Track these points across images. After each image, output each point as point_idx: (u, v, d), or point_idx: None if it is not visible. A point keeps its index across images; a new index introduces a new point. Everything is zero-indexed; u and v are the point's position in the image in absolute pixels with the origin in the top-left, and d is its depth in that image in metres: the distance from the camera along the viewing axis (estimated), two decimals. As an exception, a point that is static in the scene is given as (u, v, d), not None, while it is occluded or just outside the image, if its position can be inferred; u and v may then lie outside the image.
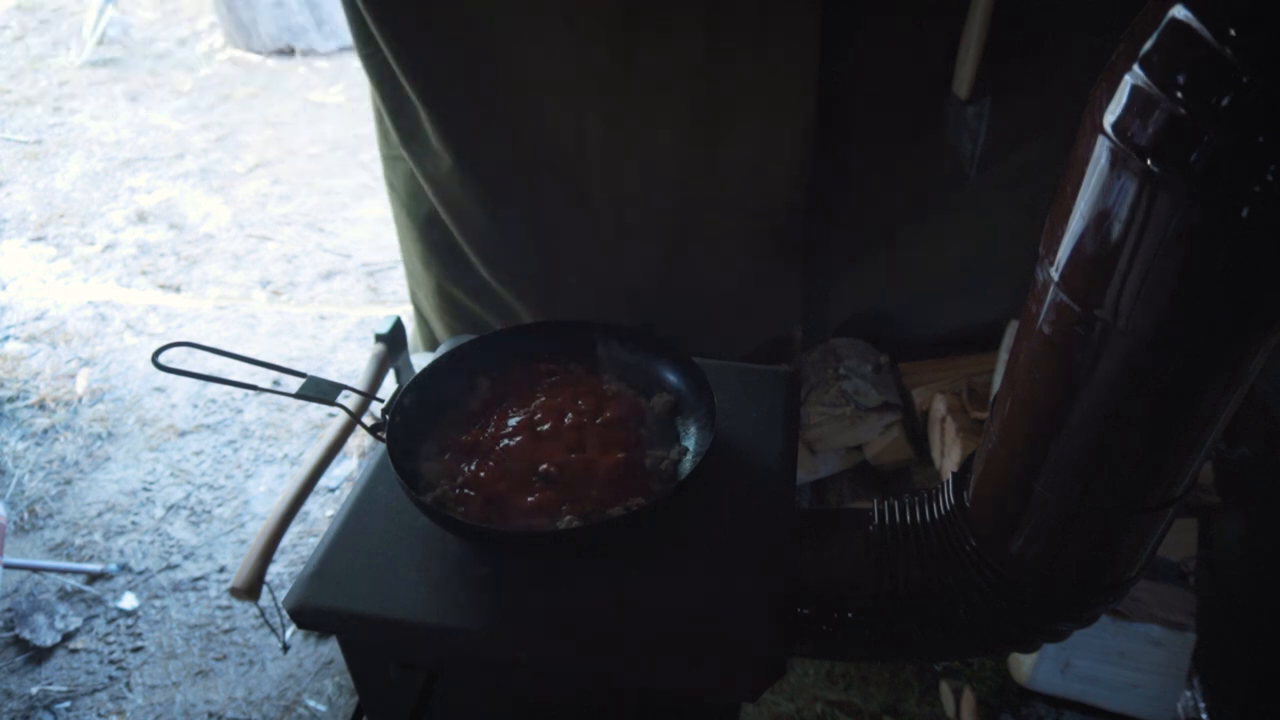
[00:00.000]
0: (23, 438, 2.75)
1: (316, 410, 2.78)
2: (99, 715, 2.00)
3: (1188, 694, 1.75)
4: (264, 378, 2.56)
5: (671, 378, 1.13)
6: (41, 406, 2.87)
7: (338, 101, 4.89)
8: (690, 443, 1.07)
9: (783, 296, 1.92)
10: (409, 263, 2.07)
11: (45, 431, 2.77)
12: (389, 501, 1.01)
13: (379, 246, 3.60)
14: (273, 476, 2.60)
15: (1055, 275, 0.70)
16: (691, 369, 1.10)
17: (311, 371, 1.01)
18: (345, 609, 0.90)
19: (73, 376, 2.99)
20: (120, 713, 2.00)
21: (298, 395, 0.95)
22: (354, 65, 5.09)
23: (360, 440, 2.55)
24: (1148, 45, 0.58)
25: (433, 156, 1.66)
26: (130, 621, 2.19)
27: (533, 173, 1.67)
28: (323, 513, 2.47)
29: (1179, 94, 0.56)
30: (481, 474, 1.00)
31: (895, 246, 1.88)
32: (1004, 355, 1.84)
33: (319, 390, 0.97)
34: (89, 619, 2.20)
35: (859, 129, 1.67)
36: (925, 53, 1.57)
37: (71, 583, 2.28)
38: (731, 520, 1.00)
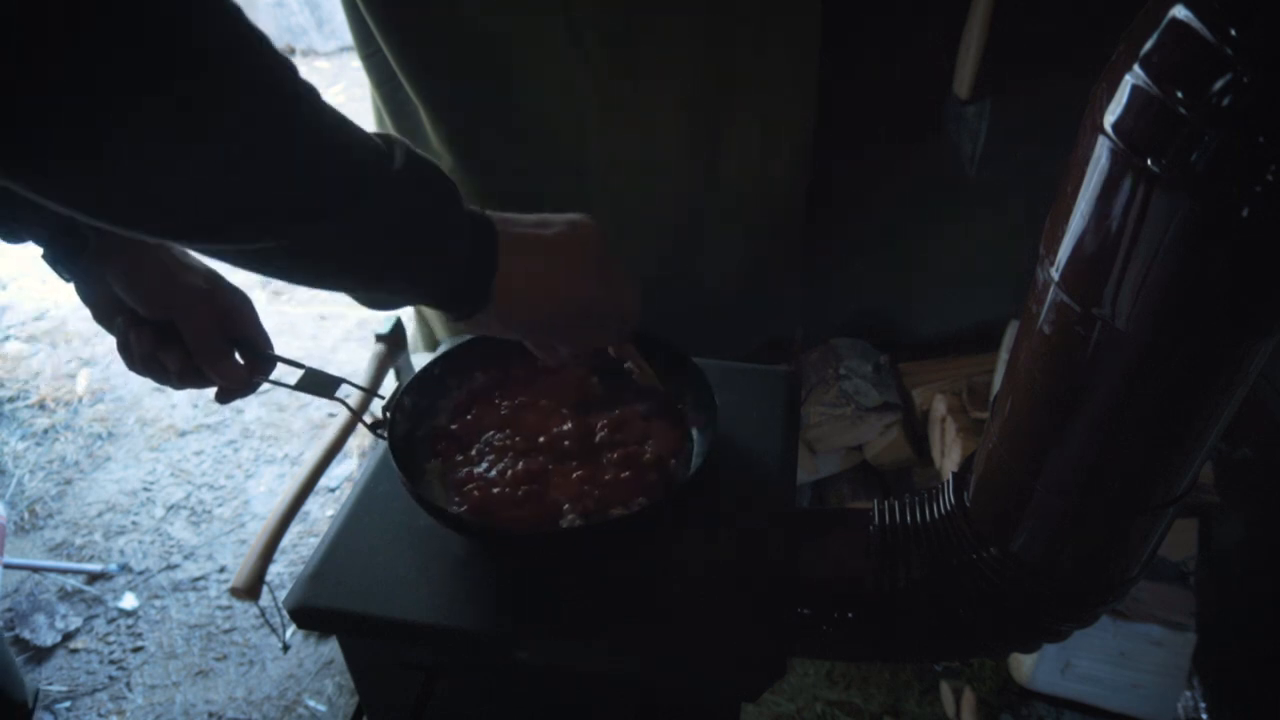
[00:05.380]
0: (23, 438, 2.75)
1: (317, 410, 2.78)
2: (99, 715, 2.00)
3: (1188, 694, 1.75)
4: (264, 378, 2.55)
5: (671, 375, 1.13)
6: (42, 406, 2.87)
7: (338, 101, 4.85)
8: (691, 439, 1.07)
9: (783, 296, 1.92)
10: (409, 263, 2.07)
11: (45, 431, 2.77)
12: (389, 501, 1.01)
13: (379, 246, 3.60)
14: (273, 476, 2.60)
15: (1055, 275, 0.70)
16: (691, 368, 1.09)
17: (312, 372, 1.01)
18: (345, 609, 0.90)
19: (73, 376, 2.99)
20: (120, 713, 2.00)
21: (296, 387, 0.95)
22: (354, 65, 5.09)
23: (360, 440, 2.55)
24: (1148, 45, 0.58)
25: (433, 156, 1.66)
26: (130, 621, 2.20)
27: (533, 173, 1.68)
28: (323, 513, 2.47)
29: (1179, 94, 0.56)
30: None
31: (895, 246, 1.88)
32: (1004, 355, 1.83)
33: (318, 383, 0.96)
34: (89, 619, 2.20)
35: (859, 129, 1.67)
36: (925, 53, 1.57)
37: (71, 583, 2.28)
38: (731, 520, 1.00)
